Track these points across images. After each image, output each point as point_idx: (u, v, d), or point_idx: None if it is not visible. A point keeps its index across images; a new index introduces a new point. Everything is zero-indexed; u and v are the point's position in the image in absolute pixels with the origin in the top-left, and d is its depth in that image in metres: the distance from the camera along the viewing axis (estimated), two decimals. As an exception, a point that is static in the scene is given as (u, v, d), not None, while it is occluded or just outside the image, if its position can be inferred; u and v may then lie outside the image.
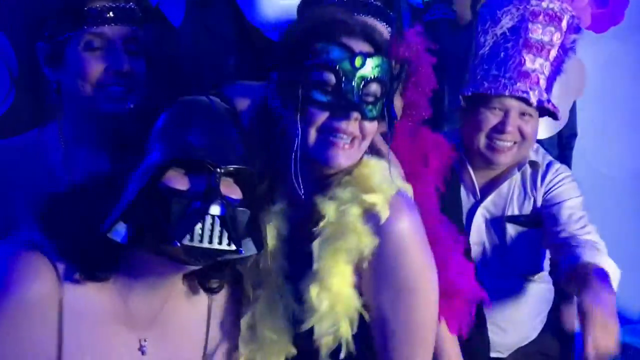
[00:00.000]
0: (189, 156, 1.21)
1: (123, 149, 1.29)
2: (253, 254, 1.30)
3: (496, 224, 2.24)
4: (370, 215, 1.33)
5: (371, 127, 1.36)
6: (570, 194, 2.20)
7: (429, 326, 1.42)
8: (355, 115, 1.31)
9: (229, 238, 1.22)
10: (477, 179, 2.26)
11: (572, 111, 2.61)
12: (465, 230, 2.20)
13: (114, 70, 1.64)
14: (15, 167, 1.71)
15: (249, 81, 1.87)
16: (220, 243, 1.21)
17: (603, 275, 1.93)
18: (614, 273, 2.00)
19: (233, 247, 1.23)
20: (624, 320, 2.22)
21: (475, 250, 2.22)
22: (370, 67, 1.33)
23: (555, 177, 2.23)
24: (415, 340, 1.40)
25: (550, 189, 2.22)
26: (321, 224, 1.36)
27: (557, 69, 2.15)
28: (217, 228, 1.20)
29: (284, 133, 1.38)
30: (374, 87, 1.34)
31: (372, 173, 1.39)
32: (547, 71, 2.11)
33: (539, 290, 2.31)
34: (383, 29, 1.41)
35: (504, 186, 2.25)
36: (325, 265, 1.34)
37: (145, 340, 1.30)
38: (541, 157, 2.30)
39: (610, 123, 2.42)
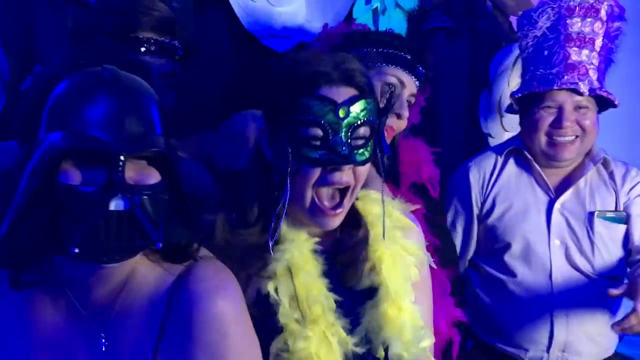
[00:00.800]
0: (80, 145, 1.02)
1: (21, 133, 1.12)
2: (183, 240, 1.17)
3: (581, 221, 2.17)
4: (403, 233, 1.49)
5: (364, 169, 1.39)
6: None
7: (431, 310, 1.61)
8: (348, 166, 1.34)
9: (140, 233, 1.06)
10: (548, 177, 2.23)
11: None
12: (546, 230, 2.18)
13: None
14: None
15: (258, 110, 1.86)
16: (131, 239, 1.06)
17: None
18: None
19: (147, 242, 1.08)
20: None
21: (558, 251, 2.17)
22: (356, 113, 1.32)
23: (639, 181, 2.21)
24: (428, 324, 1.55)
25: (633, 188, 2.19)
26: (374, 255, 1.44)
27: (607, 59, 2.14)
28: (124, 225, 1.04)
29: (279, 182, 1.38)
30: (363, 130, 1.35)
31: (375, 202, 1.49)
32: (595, 61, 2.10)
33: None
34: (363, 68, 1.40)
35: (581, 182, 2.20)
36: (393, 289, 1.41)
37: (103, 335, 1.16)
38: (610, 156, 2.26)
39: (606, 125, 2.44)
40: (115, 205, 1.03)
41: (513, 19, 2.74)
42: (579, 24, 2.08)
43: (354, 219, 1.46)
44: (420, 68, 1.85)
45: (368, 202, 1.49)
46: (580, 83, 2.06)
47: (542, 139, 2.14)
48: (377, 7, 2.63)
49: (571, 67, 2.07)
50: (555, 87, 2.06)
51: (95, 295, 1.16)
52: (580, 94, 2.07)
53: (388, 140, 1.81)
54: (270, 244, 1.36)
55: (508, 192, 2.23)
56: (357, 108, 1.32)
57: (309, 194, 1.35)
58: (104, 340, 1.15)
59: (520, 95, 2.16)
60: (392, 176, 1.88)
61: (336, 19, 2.47)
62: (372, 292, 1.43)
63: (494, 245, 2.23)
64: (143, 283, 1.19)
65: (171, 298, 1.19)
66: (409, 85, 1.82)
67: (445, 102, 2.77)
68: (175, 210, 1.14)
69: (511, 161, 2.28)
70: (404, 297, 1.42)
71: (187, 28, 1.84)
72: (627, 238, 2.17)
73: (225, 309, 1.19)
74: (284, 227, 1.39)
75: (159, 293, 1.19)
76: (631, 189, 2.19)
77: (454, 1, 2.65)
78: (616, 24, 2.12)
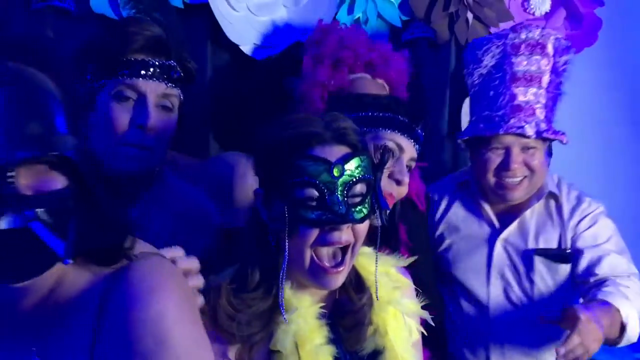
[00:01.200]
0: None
1: None
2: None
3: (520, 258, 2.15)
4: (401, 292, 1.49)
5: (364, 226, 1.37)
6: (606, 234, 2.12)
7: None
8: (346, 225, 1.33)
9: (43, 248, 0.94)
10: (493, 210, 2.21)
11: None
12: (487, 264, 2.17)
13: (138, 124, 1.59)
14: None
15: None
16: (33, 258, 0.94)
17: (607, 305, 1.91)
18: (631, 318, 1.92)
19: (53, 258, 0.96)
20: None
21: (498, 286, 2.15)
22: (350, 170, 1.32)
23: (589, 213, 2.14)
24: None
25: (580, 221, 2.13)
26: (377, 318, 1.44)
27: (555, 94, 2.07)
28: (21, 243, 0.92)
29: (277, 244, 1.38)
30: (359, 188, 1.34)
31: (372, 259, 1.45)
32: (543, 99, 2.04)
33: None
34: (354, 126, 1.39)
35: (524, 217, 2.17)
36: (399, 353, 1.43)
37: (34, 349, 1.05)
38: (565, 189, 2.21)
39: (584, 142, 2.40)
40: (5, 223, 0.90)
41: (493, 30, 2.70)
42: (525, 63, 2.02)
43: (355, 279, 1.46)
44: (419, 130, 1.79)
45: (365, 261, 1.47)
46: (526, 126, 2.00)
47: (491, 179, 2.10)
48: (359, 18, 2.62)
49: (517, 108, 2.02)
50: (500, 132, 2.01)
51: (21, 309, 1.06)
52: (528, 137, 2.02)
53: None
54: (283, 312, 1.34)
55: (457, 224, 2.23)
56: (351, 166, 1.32)
57: (308, 254, 1.34)
58: (36, 356, 1.05)
59: (467, 137, 2.13)
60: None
61: (319, 28, 2.48)
62: (375, 355, 1.43)
63: (443, 274, 2.25)
64: (72, 290, 1.08)
65: (102, 303, 1.05)
66: (408, 150, 1.76)
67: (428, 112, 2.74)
68: (92, 213, 1.03)
69: (461, 194, 2.26)
70: (410, 359, 1.45)
71: (182, 45, 1.73)
72: (570, 277, 2.13)
73: (163, 312, 1.04)
74: (287, 292, 1.36)
75: (89, 299, 1.07)
76: (579, 222, 2.13)
77: (434, 11, 2.62)
78: (564, 58, 2.05)
